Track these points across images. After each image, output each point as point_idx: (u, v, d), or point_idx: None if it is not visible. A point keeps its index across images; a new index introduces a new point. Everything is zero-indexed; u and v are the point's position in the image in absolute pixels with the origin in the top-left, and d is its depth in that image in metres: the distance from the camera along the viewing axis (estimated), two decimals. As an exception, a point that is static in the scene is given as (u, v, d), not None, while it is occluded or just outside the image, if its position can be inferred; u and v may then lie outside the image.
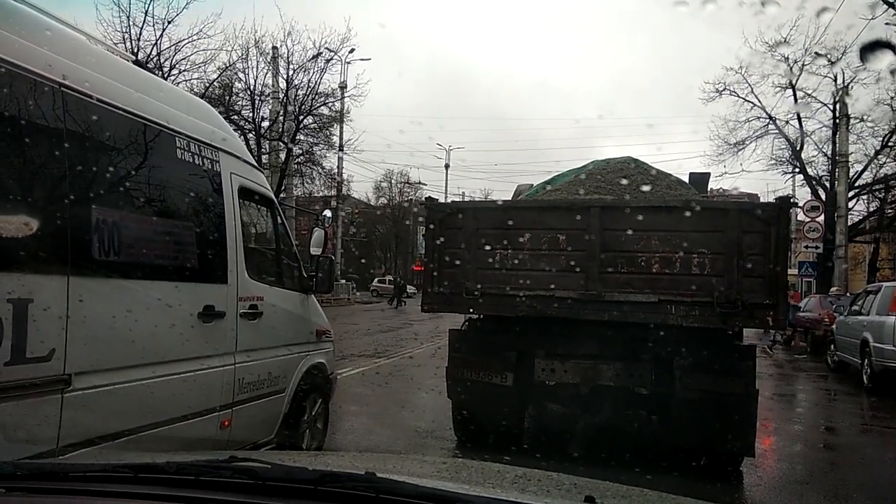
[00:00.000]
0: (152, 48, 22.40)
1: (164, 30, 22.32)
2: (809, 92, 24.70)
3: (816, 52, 22.88)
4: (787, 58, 23.95)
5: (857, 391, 10.86)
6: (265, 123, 27.67)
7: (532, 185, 7.63)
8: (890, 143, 23.88)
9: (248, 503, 1.19)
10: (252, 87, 26.85)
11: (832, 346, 13.40)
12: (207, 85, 24.59)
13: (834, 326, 13.43)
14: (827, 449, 7.12)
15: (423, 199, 6.37)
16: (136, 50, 21.18)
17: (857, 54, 21.20)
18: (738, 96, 25.37)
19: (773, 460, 6.23)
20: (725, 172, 26.48)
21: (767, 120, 25.74)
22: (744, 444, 5.16)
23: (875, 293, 11.39)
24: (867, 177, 25.30)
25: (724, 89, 25.31)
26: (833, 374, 12.95)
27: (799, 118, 25.45)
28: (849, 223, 23.63)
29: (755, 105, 25.46)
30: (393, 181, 57.01)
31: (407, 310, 29.96)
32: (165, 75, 21.23)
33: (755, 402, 5.21)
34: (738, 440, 5.10)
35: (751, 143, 26.17)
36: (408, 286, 41.69)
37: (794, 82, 24.49)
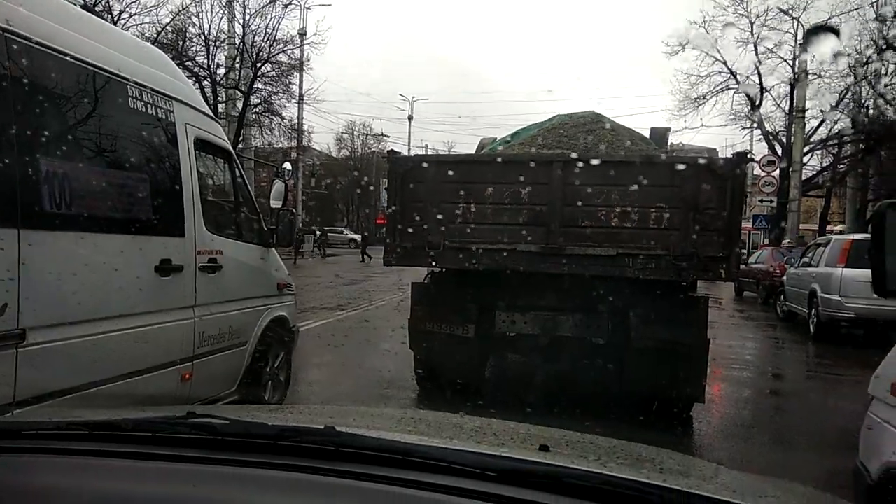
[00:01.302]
0: (100, -10, 21.32)
1: (112, -30, 21.23)
2: (770, 47, 24.96)
3: (778, 8, 23.08)
4: (749, 12, 24.11)
5: (803, 340, 11.32)
6: (221, 71, 26.79)
7: (496, 138, 7.61)
8: (845, 99, 24.37)
9: (206, 458, 1.19)
10: (206, 33, 25.84)
11: (782, 297, 13.88)
12: (159, 30, 23.61)
13: (784, 278, 13.90)
14: (773, 395, 7.45)
15: (386, 151, 6.31)
16: (83, -9, 20.14)
17: (804, 36, 21.44)
18: (701, 50, 25.52)
19: (721, 406, 6.50)
20: (686, 127, 26.88)
21: (728, 75, 26.01)
22: (694, 391, 5.37)
23: (825, 246, 11.78)
24: (822, 132, 25.90)
25: (686, 43, 25.42)
26: (782, 323, 13.45)
27: (758, 73, 25.75)
28: (803, 178, 24.21)
29: (717, 59, 25.69)
30: (355, 132, 56.17)
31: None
32: (115, 19, 20.30)
33: (706, 351, 5.40)
34: (688, 387, 5.30)
35: (711, 97, 26.49)
36: (321, 233, 35.69)
37: (755, 38, 24.70)
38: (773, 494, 1.31)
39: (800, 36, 23.75)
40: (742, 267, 12.83)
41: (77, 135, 3.16)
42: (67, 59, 2.99)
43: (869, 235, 2.39)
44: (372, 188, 49.64)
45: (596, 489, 1.06)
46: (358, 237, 39.47)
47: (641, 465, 1.47)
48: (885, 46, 20.40)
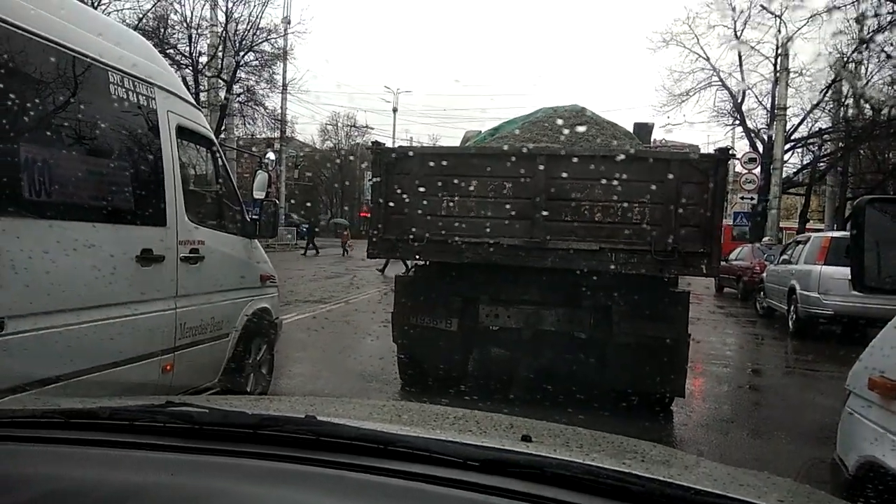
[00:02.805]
0: (80, -25, 20.98)
1: (93, -45, 20.88)
2: (753, 44, 25.20)
3: (762, 6, 23.29)
4: (734, 8, 24.33)
5: (782, 336, 11.46)
6: (203, 59, 26.51)
7: (480, 131, 7.60)
8: (826, 98, 24.64)
9: (184, 447, 1.18)
10: (189, 20, 25.62)
11: (762, 294, 14.02)
12: (141, 16, 23.37)
13: (764, 274, 14.03)
14: (752, 390, 7.53)
15: (370, 143, 6.27)
16: (62, -24, 19.78)
17: None
18: (685, 46, 25.73)
19: (701, 400, 6.57)
20: (669, 123, 26.97)
21: (711, 71, 26.23)
22: (675, 386, 5.41)
23: (804, 243, 11.92)
24: (803, 130, 26.17)
25: (671, 39, 25.60)
26: (761, 319, 13.59)
27: (741, 71, 25.98)
28: (783, 175, 24.47)
29: (700, 56, 25.89)
30: (339, 124, 55.89)
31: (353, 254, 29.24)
32: (95, 4, 20.00)
33: (687, 346, 5.44)
34: (669, 382, 5.35)
35: (694, 94, 26.71)
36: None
37: (738, 34, 24.93)
38: (752, 485, 1.32)
39: (783, 33, 24.00)
40: (722, 263, 12.94)
41: (57, 121, 3.11)
42: (47, 43, 2.94)
43: (847, 234, 2.42)
44: (356, 181, 49.41)
45: (578, 479, 1.06)
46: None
47: (623, 455, 1.48)
48: (865, 46, 20.66)
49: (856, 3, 20.23)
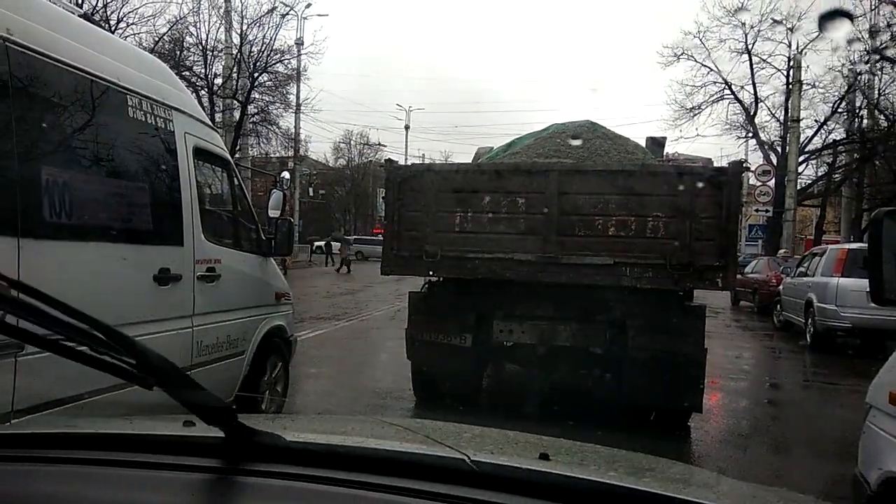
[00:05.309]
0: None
1: (110, -20, 21.29)
2: (764, 57, 25.17)
3: (773, 19, 23.30)
4: (744, 23, 24.34)
5: (800, 349, 11.32)
6: (218, 80, 26.81)
7: (492, 147, 7.63)
8: (839, 110, 24.52)
9: (205, 467, 1.19)
10: (204, 42, 25.92)
11: (778, 307, 13.88)
12: (157, 39, 23.67)
13: (781, 287, 13.89)
14: (770, 404, 7.44)
15: (383, 160, 6.33)
16: (80, 1, 20.19)
17: (816, 22, 21.58)
18: (696, 61, 25.75)
19: (719, 415, 6.49)
20: (681, 137, 26.95)
21: (723, 85, 26.19)
22: (692, 401, 5.36)
23: (820, 255, 11.81)
24: (817, 142, 26.02)
25: (682, 54, 25.64)
26: (778, 332, 13.44)
27: (753, 83, 25.93)
28: (798, 187, 24.31)
29: (712, 70, 25.88)
30: (352, 142, 56.28)
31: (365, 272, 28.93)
32: (112, 29, 20.34)
33: (704, 360, 5.39)
34: (687, 397, 5.30)
35: (706, 107, 26.66)
36: None
37: (750, 48, 24.92)
38: (773, 503, 1.31)
39: (794, 46, 23.96)
40: (738, 276, 12.87)
41: (77, 144, 3.16)
42: (67, 68, 3.00)
43: (864, 245, 2.41)
44: (369, 198, 49.67)
45: (596, 498, 1.06)
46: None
47: (642, 473, 1.47)
48: (878, 57, 20.56)
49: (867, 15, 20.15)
